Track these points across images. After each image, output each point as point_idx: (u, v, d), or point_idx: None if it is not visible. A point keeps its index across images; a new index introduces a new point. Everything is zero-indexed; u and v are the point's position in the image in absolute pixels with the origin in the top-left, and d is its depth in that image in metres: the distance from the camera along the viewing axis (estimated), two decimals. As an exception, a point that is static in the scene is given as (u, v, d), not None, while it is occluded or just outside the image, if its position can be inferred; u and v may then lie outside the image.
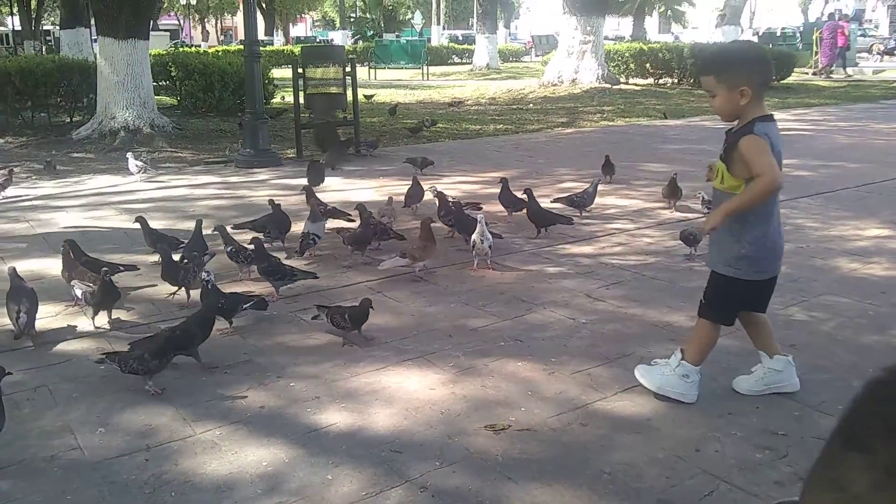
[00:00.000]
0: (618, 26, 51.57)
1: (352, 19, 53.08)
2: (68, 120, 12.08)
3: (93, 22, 15.02)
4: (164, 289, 4.21)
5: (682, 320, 3.76)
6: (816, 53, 23.66)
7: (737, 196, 2.63)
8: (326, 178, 7.30)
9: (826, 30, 22.75)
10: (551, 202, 5.88)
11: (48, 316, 3.88)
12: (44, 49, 28.05)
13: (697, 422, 2.76)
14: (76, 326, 3.79)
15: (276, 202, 5.32)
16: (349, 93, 9.39)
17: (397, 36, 42.51)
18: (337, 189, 7.16)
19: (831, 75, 22.67)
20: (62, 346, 3.55)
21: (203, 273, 3.87)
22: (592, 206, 6.05)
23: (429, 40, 40.19)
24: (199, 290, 3.76)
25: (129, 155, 8.19)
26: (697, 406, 2.86)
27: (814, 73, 23.00)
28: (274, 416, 2.85)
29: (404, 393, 3.01)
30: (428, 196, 5.89)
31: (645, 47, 20.26)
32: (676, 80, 19.56)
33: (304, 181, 6.78)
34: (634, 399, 2.93)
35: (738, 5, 28.29)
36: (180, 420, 2.81)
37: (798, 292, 4.12)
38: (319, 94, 9.23)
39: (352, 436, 2.69)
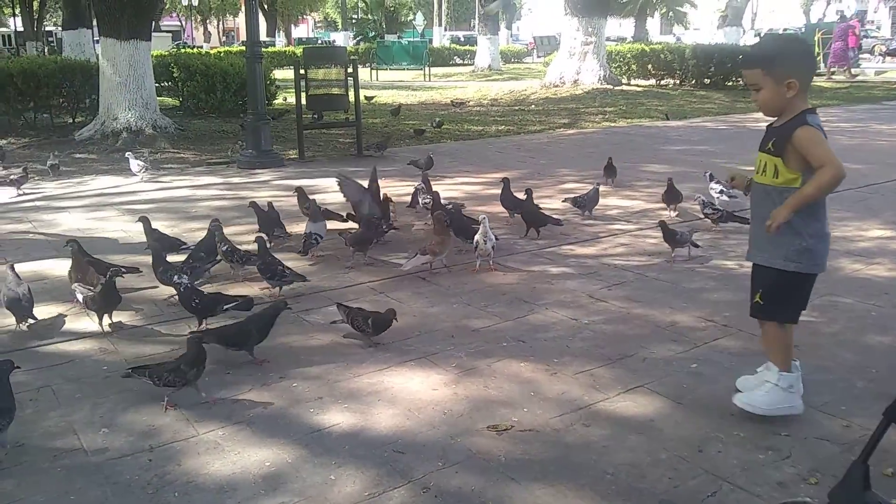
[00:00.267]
0: (619, 27, 51.53)
1: (354, 20, 53.20)
2: (71, 121, 12.10)
3: (95, 23, 15.06)
4: (165, 290, 4.22)
5: (684, 321, 3.76)
6: (818, 54, 23.60)
7: (801, 189, 2.57)
8: (326, 179, 7.29)
9: (838, 31, 22.52)
10: (562, 202, 6.22)
11: (51, 316, 3.90)
12: (46, 50, 28.05)
13: (700, 422, 2.75)
14: (79, 327, 3.79)
15: (258, 203, 5.43)
16: (351, 94, 9.41)
17: (399, 37, 42.55)
18: (337, 190, 7.13)
19: (854, 76, 22.53)
20: (65, 347, 3.55)
21: (175, 276, 3.89)
22: (595, 208, 6.05)
23: (430, 41, 40.24)
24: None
25: (129, 155, 8.21)
26: (700, 406, 2.86)
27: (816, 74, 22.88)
28: (277, 416, 2.85)
29: (407, 393, 3.01)
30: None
31: (647, 48, 20.28)
32: (678, 82, 19.58)
33: (303, 182, 6.77)
34: (637, 400, 2.93)
35: (740, 6, 28.33)
36: (183, 420, 2.82)
37: (800, 293, 4.11)
38: (321, 94, 9.24)
39: (354, 436, 2.69)
